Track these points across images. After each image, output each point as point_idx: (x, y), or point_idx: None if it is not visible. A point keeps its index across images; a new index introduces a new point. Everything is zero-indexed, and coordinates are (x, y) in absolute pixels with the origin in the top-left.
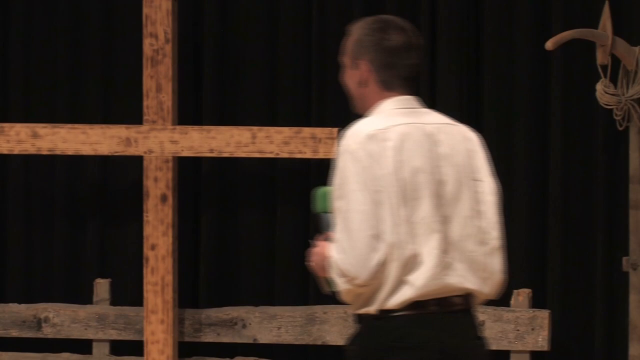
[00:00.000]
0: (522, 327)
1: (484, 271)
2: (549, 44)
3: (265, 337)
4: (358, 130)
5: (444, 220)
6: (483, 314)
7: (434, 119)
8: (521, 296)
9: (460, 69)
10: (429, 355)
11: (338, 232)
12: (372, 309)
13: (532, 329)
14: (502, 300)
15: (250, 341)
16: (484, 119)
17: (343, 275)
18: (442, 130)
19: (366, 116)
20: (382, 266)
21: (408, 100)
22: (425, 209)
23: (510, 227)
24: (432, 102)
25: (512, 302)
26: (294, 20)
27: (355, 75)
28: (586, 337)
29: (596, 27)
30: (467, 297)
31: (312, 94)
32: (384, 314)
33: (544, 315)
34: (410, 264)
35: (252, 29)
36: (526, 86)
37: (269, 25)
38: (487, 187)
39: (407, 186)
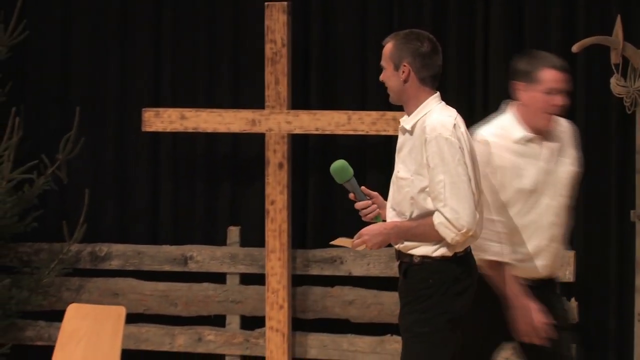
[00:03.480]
0: None
1: None
2: (575, 48)
3: (358, 271)
4: (444, 122)
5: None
6: None
7: None
8: None
9: (506, 68)
10: (473, 283)
11: (448, 198)
12: (450, 253)
13: (561, 265)
14: None
15: (346, 274)
16: None
17: (458, 230)
18: None
19: (405, 107)
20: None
21: (439, 96)
22: (479, 180)
23: None
24: (486, 88)
25: None
26: (379, 31)
27: (398, 75)
28: (603, 271)
29: (611, 35)
30: None
31: None
32: (455, 256)
33: (570, 254)
34: (479, 222)
35: (347, 35)
36: None
37: (359, 33)
38: None
39: (473, 162)
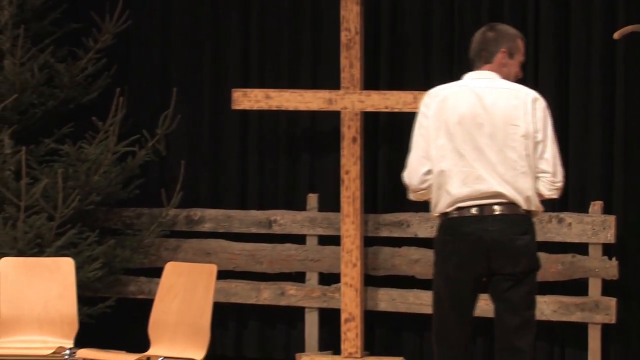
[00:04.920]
0: (597, 227)
1: (516, 188)
2: (616, 35)
3: (423, 233)
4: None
5: (478, 149)
6: (570, 218)
7: (489, 83)
8: (596, 205)
9: (556, 53)
10: (471, 244)
11: None
12: (436, 212)
13: (604, 228)
14: (583, 208)
15: (413, 236)
16: (570, 85)
17: (406, 185)
18: (488, 90)
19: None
20: (428, 175)
21: (470, 74)
22: (457, 139)
23: (589, 159)
24: (535, 74)
25: (590, 209)
26: (442, 20)
27: None
28: None
29: None
30: (509, 206)
31: (454, 68)
32: (444, 216)
33: (611, 219)
34: (444, 177)
35: (413, 24)
36: (600, 64)
37: (423, 23)
38: (521, 130)
39: (444, 125)
